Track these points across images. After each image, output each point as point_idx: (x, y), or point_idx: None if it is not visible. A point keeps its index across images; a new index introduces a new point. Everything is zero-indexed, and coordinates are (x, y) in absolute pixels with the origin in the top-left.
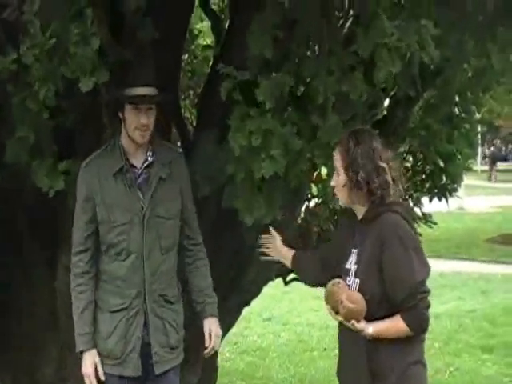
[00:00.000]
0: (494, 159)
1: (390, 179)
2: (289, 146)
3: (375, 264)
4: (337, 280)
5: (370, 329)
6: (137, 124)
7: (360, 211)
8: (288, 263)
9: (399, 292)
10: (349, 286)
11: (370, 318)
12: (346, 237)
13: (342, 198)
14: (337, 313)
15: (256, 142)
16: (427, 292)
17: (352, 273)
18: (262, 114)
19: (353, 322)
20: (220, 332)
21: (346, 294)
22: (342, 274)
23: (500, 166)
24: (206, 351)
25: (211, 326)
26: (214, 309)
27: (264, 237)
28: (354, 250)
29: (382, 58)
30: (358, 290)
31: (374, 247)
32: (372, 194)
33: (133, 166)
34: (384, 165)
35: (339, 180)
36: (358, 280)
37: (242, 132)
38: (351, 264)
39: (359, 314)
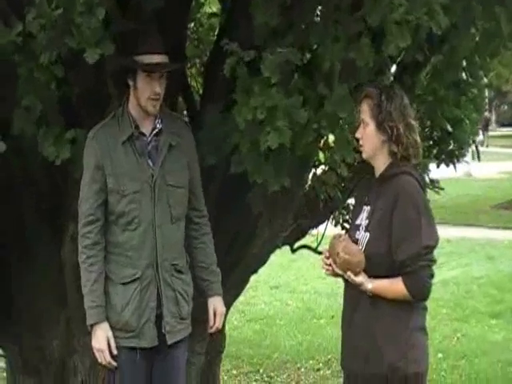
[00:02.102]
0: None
1: (418, 138)
2: (294, 118)
3: (386, 222)
4: (338, 233)
5: (370, 285)
6: (150, 93)
7: (379, 167)
8: None
9: (402, 252)
10: (357, 239)
11: (369, 275)
12: (361, 196)
13: (368, 149)
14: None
15: (261, 116)
16: (432, 261)
17: (362, 227)
18: (267, 88)
19: (349, 273)
20: (224, 310)
21: (342, 246)
22: (352, 230)
23: (507, 131)
24: (211, 330)
25: (216, 304)
26: (219, 287)
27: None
28: (366, 207)
29: (391, 31)
30: (367, 244)
31: (387, 206)
32: (398, 151)
33: (142, 134)
34: (414, 123)
35: (367, 131)
36: (367, 234)
37: (247, 106)
38: (362, 220)
39: (355, 265)
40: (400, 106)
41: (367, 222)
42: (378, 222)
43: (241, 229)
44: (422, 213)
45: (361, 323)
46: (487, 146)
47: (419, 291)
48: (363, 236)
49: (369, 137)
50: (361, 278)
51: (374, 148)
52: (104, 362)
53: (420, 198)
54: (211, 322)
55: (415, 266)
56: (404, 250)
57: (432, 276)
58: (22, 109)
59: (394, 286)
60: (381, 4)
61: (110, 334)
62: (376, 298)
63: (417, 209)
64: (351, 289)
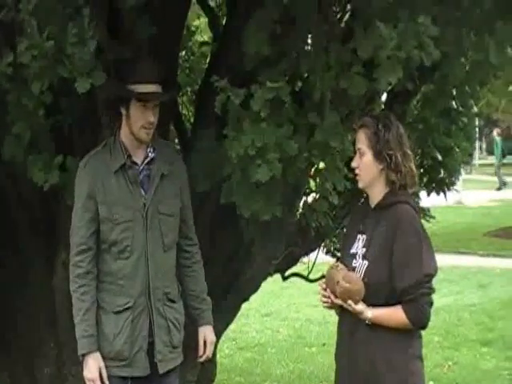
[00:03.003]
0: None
1: (414, 167)
2: (285, 149)
3: (386, 251)
4: (335, 263)
5: (370, 313)
6: (144, 122)
7: (375, 196)
8: None
9: (403, 280)
10: (354, 268)
11: (368, 304)
12: (354, 224)
13: (365, 178)
14: (336, 296)
15: (252, 153)
16: (431, 289)
17: (359, 256)
18: (257, 122)
19: (349, 302)
20: (214, 339)
21: (342, 275)
22: (347, 258)
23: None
24: (201, 359)
25: (206, 333)
26: (210, 316)
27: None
28: (361, 236)
29: (382, 67)
30: (365, 272)
31: (386, 234)
32: (396, 180)
33: (134, 163)
34: (410, 152)
35: (365, 160)
36: (366, 262)
37: (238, 142)
38: (358, 248)
39: (355, 293)
40: (397, 134)
41: (364, 250)
42: (377, 249)
43: (234, 254)
44: (423, 241)
45: (359, 350)
46: (470, 173)
47: (419, 319)
48: (361, 264)
49: (366, 166)
50: (361, 307)
51: (372, 177)
52: None
53: (419, 226)
54: (201, 351)
55: (416, 294)
56: (405, 278)
57: (431, 304)
58: (12, 135)
59: (394, 315)
60: (371, 37)
61: (102, 364)
62: (373, 328)
63: (418, 236)
64: (348, 317)
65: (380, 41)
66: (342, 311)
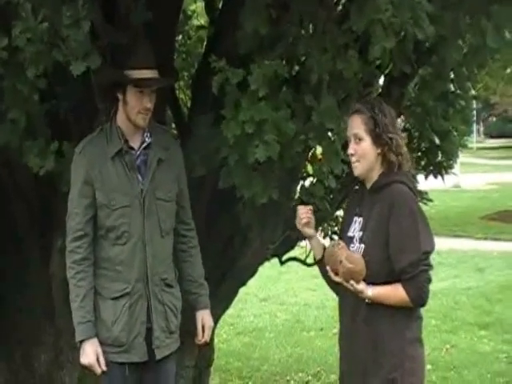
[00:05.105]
0: None
1: (405, 149)
2: (282, 131)
3: (382, 231)
4: (337, 241)
5: (370, 291)
6: (140, 107)
7: (371, 178)
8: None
9: (402, 260)
10: (353, 252)
11: (368, 283)
12: (351, 207)
13: (365, 164)
14: (336, 274)
15: (249, 130)
16: (430, 266)
17: (356, 239)
18: (255, 102)
19: (352, 282)
20: (212, 323)
21: (345, 254)
22: (345, 242)
23: (495, 142)
24: (199, 343)
25: (204, 318)
26: (207, 300)
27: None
28: (358, 219)
29: (376, 33)
30: (363, 255)
31: (382, 215)
32: (396, 161)
33: (131, 148)
34: (402, 135)
35: (364, 146)
36: (362, 245)
37: (235, 121)
38: (355, 231)
39: (358, 274)
40: (391, 119)
41: (361, 233)
42: (373, 231)
43: (231, 239)
44: (419, 219)
45: (358, 335)
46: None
47: (419, 296)
48: (358, 247)
49: (365, 151)
50: (361, 286)
51: (370, 163)
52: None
53: (415, 205)
54: (199, 336)
55: (415, 272)
56: (405, 258)
57: (429, 281)
58: (7, 121)
59: (393, 292)
60: (367, 9)
61: (100, 349)
62: (373, 309)
63: (413, 216)
64: (349, 300)
65: (375, 11)
66: (343, 293)
